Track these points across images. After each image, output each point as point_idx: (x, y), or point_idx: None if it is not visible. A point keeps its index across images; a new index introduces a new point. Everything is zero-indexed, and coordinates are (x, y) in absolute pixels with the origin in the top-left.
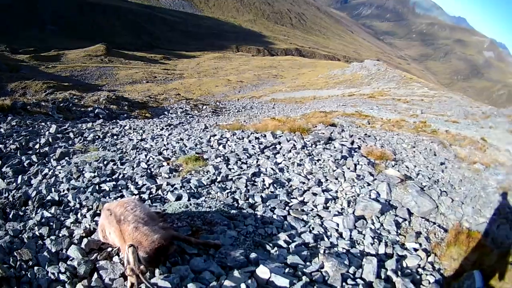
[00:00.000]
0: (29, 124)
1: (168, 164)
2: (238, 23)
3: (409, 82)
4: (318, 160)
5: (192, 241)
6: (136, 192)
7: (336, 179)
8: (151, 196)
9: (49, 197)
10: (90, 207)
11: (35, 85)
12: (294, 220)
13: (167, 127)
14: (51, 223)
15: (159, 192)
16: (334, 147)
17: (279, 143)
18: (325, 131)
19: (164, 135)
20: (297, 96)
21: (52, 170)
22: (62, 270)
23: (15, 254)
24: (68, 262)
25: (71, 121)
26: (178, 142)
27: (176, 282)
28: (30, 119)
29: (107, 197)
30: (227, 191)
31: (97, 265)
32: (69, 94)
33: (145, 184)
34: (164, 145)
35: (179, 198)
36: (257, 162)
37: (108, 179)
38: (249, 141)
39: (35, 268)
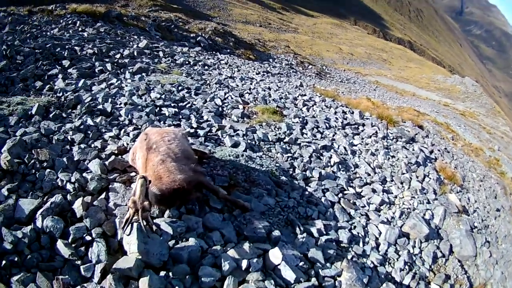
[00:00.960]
0: (119, 34)
1: (244, 108)
2: None
3: (496, 115)
4: (393, 156)
5: (219, 194)
6: (195, 125)
7: (401, 183)
8: (208, 134)
9: (100, 106)
10: (139, 126)
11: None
12: (341, 211)
13: (264, 73)
14: (89, 132)
15: (219, 133)
16: (413, 150)
17: (363, 125)
18: (411, 130)
19: (255, 79)
20: (399, 86)
21: (119, 82)
22: (73, 180)
23: (33, 152)
24: (84, 174)
25: (167, 41)
26: (265, 90)
27: (180, 231)
28: (122, 30)
29: (162, 122)
30: (289, 154)
31: (110, 186)
32: (175, 16)
33: (209, 121)
34: (250, 88)
35: (235, 145)
36: (333, 136)
37: (172, 104)
38: (335, 113)
39: (47, 170)
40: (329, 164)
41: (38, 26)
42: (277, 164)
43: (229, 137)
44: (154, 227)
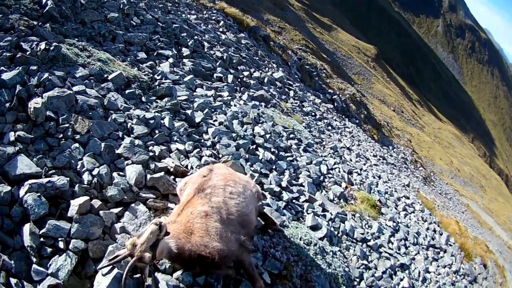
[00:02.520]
0: (259, 54)
1: (346, 188)
2: (484, 118)
3: None
4: None
5: (256, 285)
6: (284, 184)
7: None
8: (293, 201)
9: (189, 112)
10: (219, 155)
11: (294, 33)
12: None
13: (380, 158)
14: (156, 131)
15: (305, 205)
16: None
17: (445, 251)
18: (478, 267)
19: (370, 161)
20: (482, 217)
21: (230, 98)
22: (95, 172)
23: (73, 117)
24: (113, 174)
25: (304, 85)
26: (374, 177)
27: None
28: (264, 52)
29: (248, 164)
30: (364, 262)
31: (133, 205)
32: (321, 64)
33: (302, 186)
34: (361, 169)
35: (315, 227)
36: (415, 254)
37: (273, 149)
38: (427, 229)
39: (75, 144)
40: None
41: (177, 3)
42: (346, 269)
43: (314, 215)
44: (148, 282)
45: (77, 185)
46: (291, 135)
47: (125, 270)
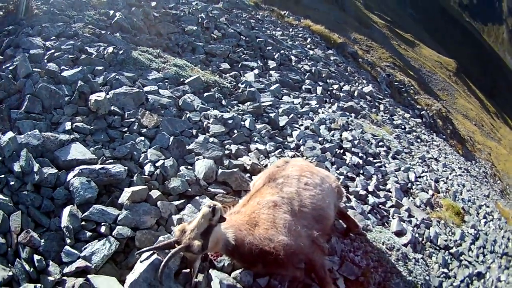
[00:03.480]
0: (348, 70)
1: (433, 196)
2: None
3: None
4: None
5: None
6: (371, 189)
7: None
8: (379, 206)
9: (273, 115)
10: (302, 156)
11: (381, 51)
12: None
13: (465, 170)
14: (235, 131)
15: (391, 210)
16: None
17: None
18: None
19: (456, 171)
20: None
21: (318, 106)
22: (159, 164)
23: (140, 112)
24: (181, 168)
25: (394, 102)
26: (459, 186)
27: None
28: (353, 68)
29: (334, 167)
30: (445, 270)
31: (197, 198)
32: (408, 81)
33: (390, 192)
34: (447, 178)
35: (400, 233)
36: (491, 263)
37: (360, 154)
38: (502, 237)
39: (140, 138)
40: None
41: (261, 20)
42: (427, 277)
43: (399, 220)
44: (196, 280)
45: (136, 175)
46: (380, 143)
47: (166, 258)
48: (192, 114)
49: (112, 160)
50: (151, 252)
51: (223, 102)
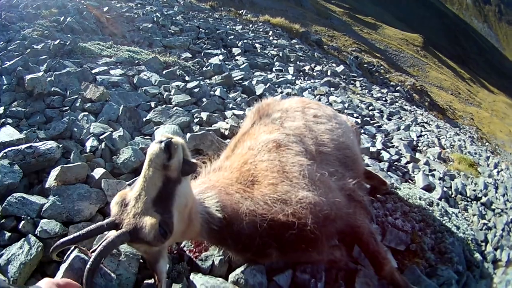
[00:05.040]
0: (315, 55)
1: (441, 151)
2: None
3: None
4: None
5: (384, 270)
6: (379, 146)
7: None
8: (395, 163)
9: (246, 83)
10: None
11: (344, 39)
12: None
13: (456, 133)
14: (206, 100)
15: (409, 166)
16: None
17: None
18: None
19: (451, 131)
20: None
21: (295, 78)
22: (106, 135)
23: (83, 84)
24: (136, 138)
25: (368, 82)
26: (460, 141)
27: None
28: (320, 54)
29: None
30: (484, 221)
31: None
32: (377, 61)
33: (399, 149)
34: (445, 135)
35: (428, 188)
36: None
37: (355, 115)
38: None
39: (83, 113)
40: None
41: (218, 19)
42: (471, 232)
43: (423, 174)
44: None
45: (73, 152)
46: (370, 107)
47: (93, 256)
48: (149, 87)
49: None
50: (72, 247)
51: (187, 78)
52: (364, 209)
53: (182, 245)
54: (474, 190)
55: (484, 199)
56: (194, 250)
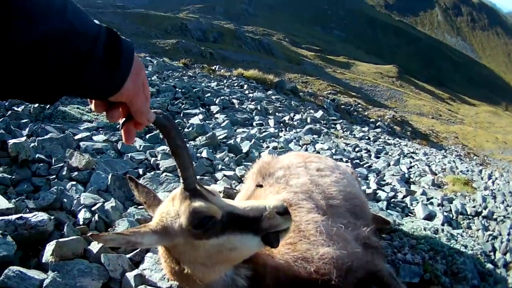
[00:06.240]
0: (293, 104)
1: (433, 177)
2: (507, 80)
3: None
4: None
5: None
6: (374, 186)
7: None
8: (392, 200)
9: (232, 142)
10: None
11: (318, 83)
12: None
13: (443, 155)
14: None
15: (407, 200)
16: None
17: None
18: None
19: (439, 155)
20: None
21: (278, 131)
22: (112, 204)
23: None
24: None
25: (348, 123)
26: (450, 163)
27: None
28: (297, 102)
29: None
30: (489, 232)
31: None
32: (354, 100)
33: (393, 185)
34: (435, 160)
35: (429, 217)
36: None
37: (345, 159)
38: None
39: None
40: None
41: (193, 77)
42: (479, 246)
43: (422, 205)
44: None
45: (66, 224)
46: (357, 149)
47: None
48: (134, 153)
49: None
50: None
51: None
52: (380, 253)
53: None
54: (474, 207)
55: (485, 212)
56: None
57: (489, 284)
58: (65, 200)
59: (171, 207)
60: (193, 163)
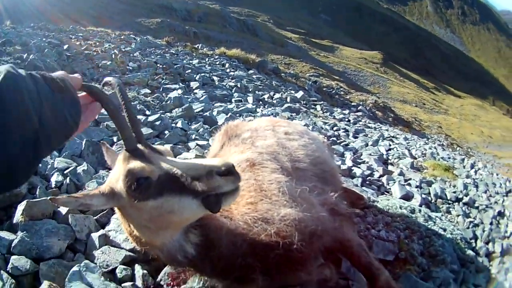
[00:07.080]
0: (274, 84)
1: (413, 161)
2: (496, 76)
3: None
4: None
5: (379, 282)
6: (350, 164)
7: None
8: (368, 178)
9: (208, 114)
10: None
11: (301, 65)
12: None
13: (425, 141)
14: (167, 132)
15: (383, 179)
16: None
17: None
18: None
19: (421, 141)
20: None
21: (255, 107)
22: (84, 167)
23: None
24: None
25: (328, 105)
26: (431, 148)
27: None
28: (278, 82)
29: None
30: (470, 219)
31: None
32: (336, 83)
33: (370, 164)
34: (416, 145)
35: (406, 197)
36: (502, 202)
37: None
38: (491, 174)
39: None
40: (506, 234)
41: (175, 54)
42: (459, 231)
43: (399, 185)
44: None
45: (38, 187)
46: (335, 127)
47: None
48: (110, 122)
49: None
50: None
51: (147, 112)
52: (349, 222)
53: (159, 279)
54: (454, 192)
55: (466, 199)
56: (172, 283)
57: (470, 271)
58: (39, 165)
59: (117, 168)
60: (139, 123)
